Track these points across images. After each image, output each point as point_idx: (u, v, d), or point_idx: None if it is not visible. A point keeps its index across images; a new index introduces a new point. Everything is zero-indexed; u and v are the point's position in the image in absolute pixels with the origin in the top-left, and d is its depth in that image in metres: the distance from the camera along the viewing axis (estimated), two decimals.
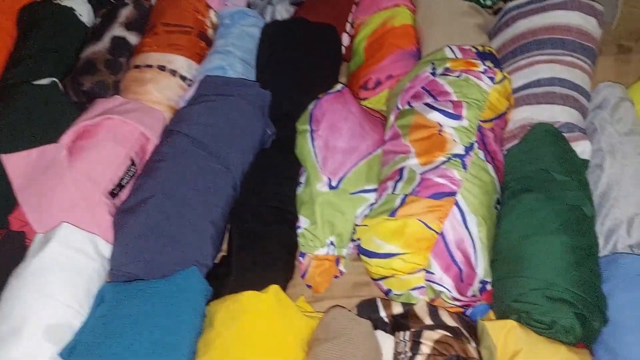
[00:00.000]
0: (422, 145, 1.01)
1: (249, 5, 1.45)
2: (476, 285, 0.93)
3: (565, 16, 1.23)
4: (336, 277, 1.05)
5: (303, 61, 1.25)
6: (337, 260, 1.03)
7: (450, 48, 1.16)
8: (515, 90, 1.15)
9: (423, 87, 1.10)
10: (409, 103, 1.10)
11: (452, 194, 0.94)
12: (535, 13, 1.26)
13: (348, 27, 1.41)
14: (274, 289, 0.89)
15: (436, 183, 0.95)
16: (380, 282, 0.98)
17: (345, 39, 1.40)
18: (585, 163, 1.06)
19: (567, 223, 0.91)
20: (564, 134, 1.06)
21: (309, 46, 1.26)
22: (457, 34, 1.31)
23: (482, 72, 1.09)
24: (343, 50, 1.39)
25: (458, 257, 0.91)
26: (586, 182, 1.00)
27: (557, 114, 1.09)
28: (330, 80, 1.25)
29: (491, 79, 1.08)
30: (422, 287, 0.93)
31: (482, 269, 0.92)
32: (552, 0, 1.26)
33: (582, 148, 1.07)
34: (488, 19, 1.39)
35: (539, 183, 0.96)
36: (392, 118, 1.11)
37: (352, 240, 1.01)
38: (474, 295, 0.94)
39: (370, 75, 1.25)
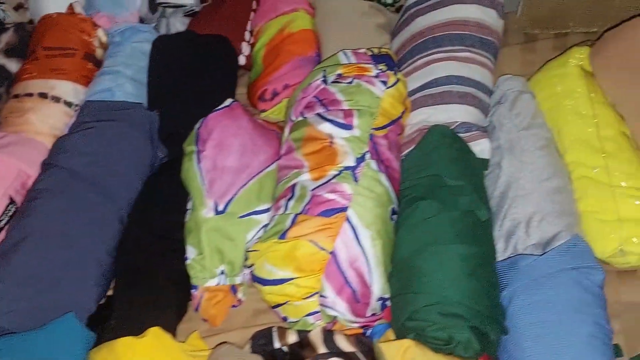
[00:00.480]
0: (314, 159, 0.96)
1: (141, 20, 1.37)
2: (375, 304, 0.88)
3: (462, 10, 1.19)
4: (234, 306, 0.98)
5: (193, 76, 1.18)
6: (234, 289, 0.97)
7: (344, 53, 1.11)
8: (412, 92, 1.11)
9: (315, 97, 1.05)
10: (302, 114, 1.04)
11: (343, 209, 0.89)
12: (433, 9, 1.22)
13: (247, 35, 1.34)
14: (154, 332, 0.82)
15: (326, 199, 0.90)
16: (277, 310, 0.92)
17: (245, 48, 1.33)
18: (484, 163, 1.02)
19: (461, 231, 0.87)
20: (460, 134, 1.02)
21: (198, 60, 1.19)
22: (356, 36, 1.26)
23: (375, 77, 1.04)
24: (244, 60, 1.33)
25: (351, 276, 0.86)
26: (481, 184, 0.97)
27: (454, 114, 1.05)
28: (225, 93, 1.18)
29: (384, 83, 1.03)
30: (318, 312, 0.88)
31: (378, 286, 0.87)
32: None
33: (481, 147, 1.03)
34: (390, 17, 1.35)
35: (431, 190, 0.91)
36: (286, 131, 1.05)
37: (247, 266, 0.95)
38: (374, 314, 0.89)
39: (266, 86, 1.19)
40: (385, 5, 1.37)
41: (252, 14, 1.36)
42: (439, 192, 0.90)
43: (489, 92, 1.14)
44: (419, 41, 1.19)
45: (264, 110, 1.20)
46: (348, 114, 0.98)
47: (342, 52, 1.12)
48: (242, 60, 1.33)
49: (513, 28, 1.39)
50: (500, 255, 0.93)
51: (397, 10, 1.37)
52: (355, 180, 0.91)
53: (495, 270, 0.88)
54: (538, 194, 0.94)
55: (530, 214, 0.92)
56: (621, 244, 0.90)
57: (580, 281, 0.87)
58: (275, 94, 1.18)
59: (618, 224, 0.91)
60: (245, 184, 0.97)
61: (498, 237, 0.94)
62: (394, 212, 0.94)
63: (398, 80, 1.05)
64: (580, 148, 1.01)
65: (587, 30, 1.34)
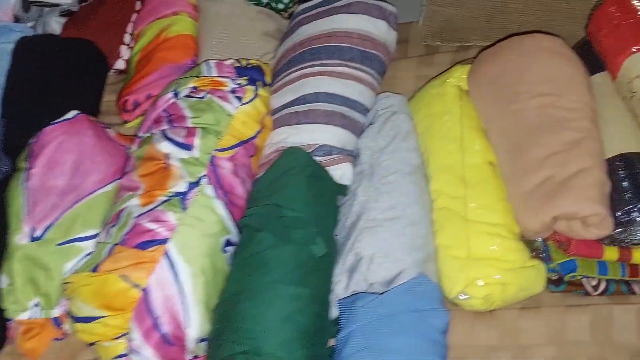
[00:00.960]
0: (148, 182, 0.88)
1: (17, 20, 1.28)
2: (193, 346, 0.80)
3: (347, 21, 1.11)
4: (59, 339, 0.90)
5: (49, 83, 1.09)
6: (57, 321, 0.89)
7: (207, 64, 1.03)
8: (280, 109, 1.03)
9: (165, 111, 0.96)
10: (149, 129, 0.96)
11: (163, 241, 0.81)
12: (318, 18, 1.14)
13: (127, 38, 1.26)
14: None
15: (147, 229, 0.82)
16: (93, 348, 0.84)
17: (124, 52, 1.25)
18: (342, 189, 0.94)
19: (289, 269, 0.79)
20: (318, 157, 0.94)
21: (57, 66, 1.11)
22: (239, 43, 1.18)
23: (230, 92, 0.96)
24: (123, 64, 1.24)
25: (164, 317, 0.78)
26: (330, 214, 0.89)
27: (316, 135, 0.97)
28: (85, 102, 1.09)
29: (239, 99, 0.95)
30: (125, 355, 0.80)
31: (196, 327, 0.80)
32: (337, 3, 1.15)
33: (341, 172, 0.95)
34: (281, 24, 1.26)
35: (267, 220, 0.83)
36: (134, 147, 0.97)
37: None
38: (196, 356, 0.82)
39: (129, 96, 1.10)
40: (277, 11, 1.29)
41: (134, 15, 1.28)
42: (275, 223, 0.82)
43: (367, 111, 1.06)
44: (297, 52, 1.11)
45: (126, 122, 1.11)
46: (191, 132, 0.90)
47: (204, 62, 1.03)
48: (121, 64, 1.25)
49: (415, 39, 1.31)
50: (342, 293, 0.85)
51: (290, 17, 1.29)
52: (184, 208, 0.83)
53: (325, 312, 0.81)
54: (387, 227, 0.86)
55: (375, 248, 0.84)
56: (466, 286, 0.83)
57: (418, 326, 0.80)
58: (137, 105, 1.09)
59: (466, 263, 0.84)
60: (69, 207, 0.89)
61: (341, 273, 0.86)
62: (229, 244, 0.86)
63: (256, 96, 0.97)
64: (444, 176, 0.93)
65: (489, 44, 1.27)
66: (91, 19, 1.24)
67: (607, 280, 0.89)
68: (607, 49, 0.90)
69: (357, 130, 1.03)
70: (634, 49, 0.86)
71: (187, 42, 1.19)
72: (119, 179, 0.94)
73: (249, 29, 1.20)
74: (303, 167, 0.90)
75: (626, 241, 0.85)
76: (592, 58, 0.96)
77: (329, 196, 0.90)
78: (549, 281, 0.91)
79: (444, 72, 1.09)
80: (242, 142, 0.93)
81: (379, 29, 1.13)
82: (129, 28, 1.26)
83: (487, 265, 0.82)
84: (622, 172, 0.85)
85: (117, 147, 1.00)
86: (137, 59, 1.18)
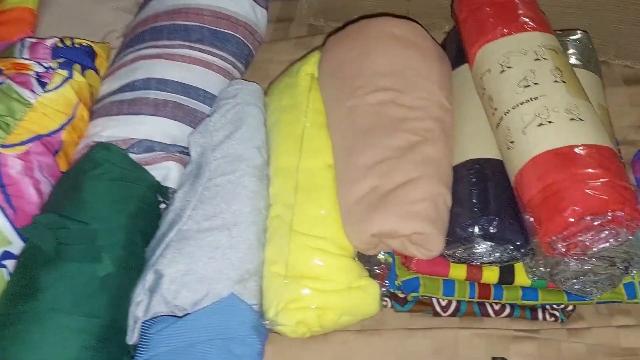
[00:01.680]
0: None
1: None
2: None
3: None
4: None
5: None
6: None
7: (22, 42, 0.89)
8: (106, 96, 0.89)
9: None
10: None
11: None
12: None
13: None
14: None
15: None
16: None
17: None
18: (164, 194, 0.82)
19: (66, 293, 0.67)
20: (135, 155, 0.82)
21: None
22: (80, 17, 1.04)
23: (35, 77, 0.82)
24: None
25: None
26: (130, 225, 0.76)
27: (137, 128, 0.84)
28: None
29: (43, 85, 0.82)
30: None
31: None
32: None
33: (164, 172, 0.83)
34: None
35: (44, 233, 0.71)
36: None
37: None
38: None
39: None
40: None
41: None
42: (50, 236, 0.70)
43: (212, 101, 0.93)
44: (139, 31, 0.97)
45: None
46: None
47: (20, 41, 0.89)
48: None
49: (300, 18, 1.18)
50: (142, 316, 0.74)
51: None
52: None
53: (118, 341, 0.69)
54: (200, 239, 0.74)
55: (179, 265, 0.72)
56: (278, 310, 0.71)
57: (219, 356, 0.69)
58: None
59: (282, 282, 0.72)
60: None
61: (141, 292, 0.74)
62: (8, 256, 0.74)
63: (66, 81, 0.83)
64: (280, 179, 0.81)
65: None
66: None
67: (459, 300, 0.79)
68: (465, 36, 0.78)
69: (199, 123, 0.90)
70: (488, 36, 0.73)
71: (24, 16, 1.03)
72: None
73: (97, 2, 1.06)
74: (109, 167, 0.77)
75: (470, 260, 0.75)
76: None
77: (140, 203, 0.78)
78: (396, 299, 0.80)
79: (302, 57, 0.97)
80: (40, 137, 0.79)
81: (239, 5, 1.00)
82: None
83: (302, 286, 0.71)
84: (470, 180, 0.74)
85: None
86: None
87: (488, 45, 0.72)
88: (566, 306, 0.78)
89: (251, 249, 0.76)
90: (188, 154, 0.86)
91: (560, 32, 0.87)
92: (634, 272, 0.69)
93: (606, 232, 0.59)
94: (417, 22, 0.82)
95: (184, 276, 0.72)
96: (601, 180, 0.57)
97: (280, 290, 0.72)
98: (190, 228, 0.76)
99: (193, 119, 0.89)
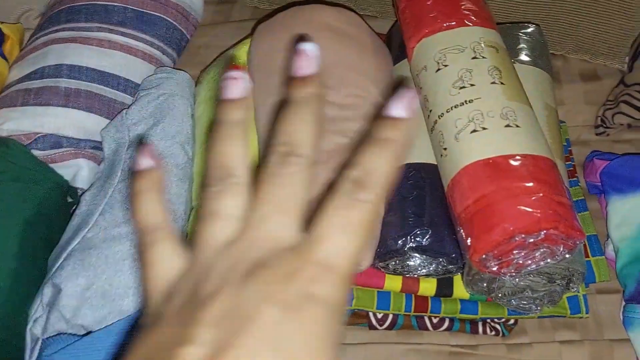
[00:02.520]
0: None
1: None
2: None
3: None
4: None
5: None
6: None
7: None
8: (13, 84, 0.80)
9: None
10: None
11: None
12: None
13: None
14: None
15: None
16: None
17: None
18: (73, 195, 0.74)
19: None
20: (39, 151, 0.73)
21: None
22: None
23: None
24: None
25: None
26: (28, 232, 0.67)
27: (43, 121, 0.75)
28: None
29: None
30: None
31: None
32: None
33: (74, 170, 0.75)
34: None
35: None
36: None
37: None
38: None
39: None
40: None
41: None
42: None
43: (133, 89, 0.85)
44: (56, 11, 0.87)
45: None
46: None
47: None
48: None
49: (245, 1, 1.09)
50: (40, 334, 0.66)
51: None
52: None
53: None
54: (105, 249, 0.66)
55: (80, 278, 0.64)
56: None
57: None
58: None
59: None
60: None
61: (38, 308, 0.66)
62: None
63: None
64: (197, 181, 0.75)
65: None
66: None
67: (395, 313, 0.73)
68: (403, 28, 0.70)
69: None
70: (426, 30, 0.66)
71: None
72: None
73: None
74: (5, 166, 0.69)
75: (405, 272, 0.69)
76: None
77: (41, 206, 0.69)
78: None
79: (235, 43, 0.89)
80: None
81: None
82: None
83: None
84: (405, 187, 0.67)
85: None
86: None
87: (425, 40, 0.64)
88: (507, 320, 0.73)
89: None
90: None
91: (510, 25, 0.80)
92: (576, 287, 0.64)
93: (541, 250, 0.54)
94: (354, 11, 0.74)
95: (84, 291, 0.64)
96: (535, 195, 0.51)
97: None
98: (95, 236, 0.68)
99: (111, 111, 0.81)
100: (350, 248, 0.25)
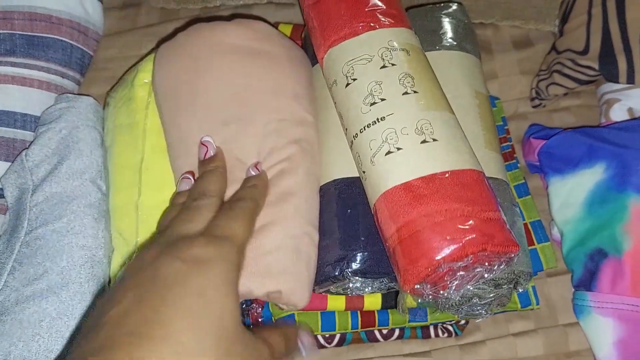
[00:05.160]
0: None
1: None
2: None
3: None
4: None
5: None
6: None
7: None
8: None
9: None
10: None
11: None
12: None
13: None
14: None
15: None
16: None
17: None
18: None
19: None
20: None
21: None
22: None
23: None
24: None
25: None
26: None
27: None
28: None
29: None
30: None
31: None
32: None
33: None
34: None
35: None
36: None
37: None
38: None
39: None
40: None
41: None
42: None
43: (34, 124, 0.78)
44: None
45: None
46: None
47: None
48: None
49: (147, 1, 1.01)
50: None
51: None
52: None
53: None
54: (17, 312, 0.60)
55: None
56: None
57: None
58: None
59: None
60: None
61: None
62: None
63: None
64: (121, 220, 0.68)
65: (240, 3, 0.99)
66: None
67: None
68: (311, 34, 0.64)
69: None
70: (332, 38, 0.59)
71: None
72: None
73: None
74: None
75: (348, 293, 0.65)
76: None
77: None
78: None
79: (143, 57, 0.81)
80: None
81: (60, 0, 0.83)
82: None
83: None
84: (336, 206, 0.62)
85: None
86: None
87: (332, 50, 0.58)
88: (459, 320, 0.71)
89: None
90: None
91: (431, 7, 0.75)
92: (523, 288, 0.61)
93: (476, 269, 0.50)
94: (261, 18, 0.68)
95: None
96: (459, 218, 0.47)
97: None
98: (7, 299, 0.62)
99: (11, 152, 0.74)
100: (234, 227, 0.47)
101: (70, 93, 0.84)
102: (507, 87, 0.90)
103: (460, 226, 0.47)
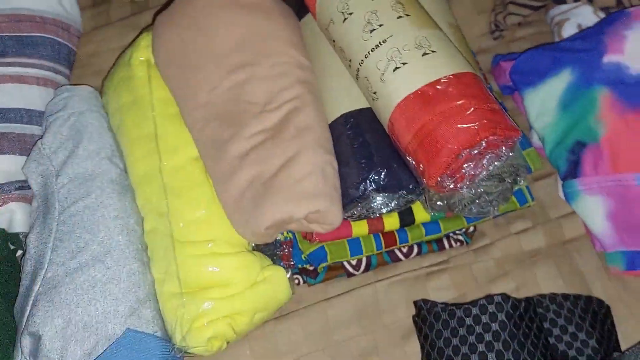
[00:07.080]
0: None
1: None
2: None
3: None
4: None
5: None
6: None
7: None
8: None
9: None
10: None
11: None
12: None
13: None
14: None
15: None
16: None
17: None
18: (14, 241, 0.70)
19: None
20: None
21: None
22: None
23: None
24: None
25: None
26: None
27: None
28: None
29: None
30: None
31: None
32: None
33: (7, 217, 0.71)
34: None
35: None
36: None
37: None
38: None
39: None
40: None
41: None
42: None
43: (41, 117, 0.80)
44: None
45: None
46: None
47: None
48: None
49: None
50: None
51: None
52: None
53: None
54: (70, 282, 0.64)
55: (56, 319, 0.62)
56: (185, 332, 0.64)
57: None
58: None
59: (180, 300, 0.65)
60: None
61: None
62: None
63: None
64: (145, 187, 0.72)
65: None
66: None
67: (368, 255, 0.76)
68: None
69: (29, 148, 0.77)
70: None
71: None
72: None
73: None
74: None
75: (370, 215, 0.71)
76: None
77: None
78: (306, 274, 0.76)
79: (131, 42, 0.85)
80: None
81: (41, 1, 0.85)
82: None
83: (202, 300, 0.64)
84: (349, 136, 0.69)
85: None
86: None
87: None
88: (467, 229, 0.79)
89: (134, 275, 0.67)
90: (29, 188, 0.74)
91: None
92: (522, 181, 0.69)
93: (487, 156, 0.58)
94: None
95: (65, 330, 0.62)
96: (467, 110, 0.55)
97: (180, 311, 0.64)
98: (56, 273, 0.65)
99: (24, 146, 0.76)
100: None
101: None
102: (468, 28, 0.98)
103: (470, 116, 0.55)
